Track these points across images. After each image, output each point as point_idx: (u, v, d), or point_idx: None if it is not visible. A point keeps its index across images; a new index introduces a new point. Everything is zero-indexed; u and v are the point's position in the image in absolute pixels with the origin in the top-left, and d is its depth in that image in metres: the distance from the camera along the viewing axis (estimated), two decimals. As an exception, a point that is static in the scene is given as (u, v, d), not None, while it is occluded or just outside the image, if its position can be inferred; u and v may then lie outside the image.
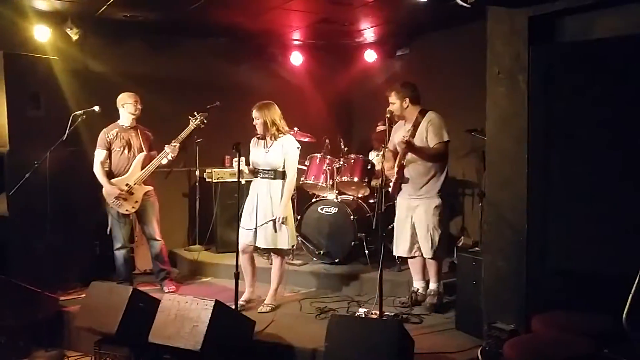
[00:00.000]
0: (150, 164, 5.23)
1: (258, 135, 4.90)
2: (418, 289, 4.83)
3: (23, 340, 4.52)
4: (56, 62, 5.63)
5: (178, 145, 5.20)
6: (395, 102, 4.68)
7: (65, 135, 4.97)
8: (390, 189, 4.72)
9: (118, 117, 5.35)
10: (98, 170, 5.19)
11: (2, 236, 5.14)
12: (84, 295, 4.35)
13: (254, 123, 4.82)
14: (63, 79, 5.66)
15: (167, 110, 6.06)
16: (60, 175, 5.15)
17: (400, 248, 4.80)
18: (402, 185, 4.68)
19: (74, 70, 5.98)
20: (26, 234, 5.12)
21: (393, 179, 4.65)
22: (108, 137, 5.24)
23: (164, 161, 5.24)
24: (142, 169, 5.23)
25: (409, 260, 4.86)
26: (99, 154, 5.22)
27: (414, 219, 4.66)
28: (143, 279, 5.78)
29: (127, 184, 5.16)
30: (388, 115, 4.53)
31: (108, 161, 5.26)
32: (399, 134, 4.74)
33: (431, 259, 4.65)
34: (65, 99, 5.61)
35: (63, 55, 5.92)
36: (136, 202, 5.22)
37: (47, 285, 4.85)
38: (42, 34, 5.80)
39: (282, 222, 4.71)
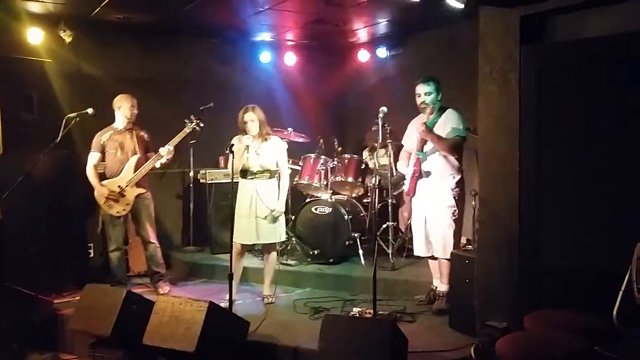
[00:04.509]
0: (143, 166, 5.21)
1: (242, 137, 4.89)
2: (436, 287, 4.77)
3: (17, 343, 4.51)
4: (49, 65, 5.63)
5: (172, 148, 5.18)
6: (432, 92, 4.53)
7: (59, 138, 4.97)
8: (406, 188, 4.69)
9: (112, 120, 5.33)
10: (90, 172, 5.17)
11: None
12: (78, 298, 4.34)
13: (245, 125, 4.82)
14: (56, 82, 5.66)
15: (161, 111, 6.06)
16: (54, 178, 5.15)
17: (418, 248, 4.77)
18: (417, 186, 4.61)
19: (67, 72, 5.96)
20: (20, 237, 5.10)
21: (409, 177, 4.61)
22: (101, 139, 5.23)
23: (157, 164, 5.22)
24: (135, 171, 5.21)
25: (428, 259, 4.81)
26: (92, 157, 5.21)
27: (428, 219, 4.62)
28: (137, 281, 5.78)
29: (119, 186, 5.15)
30: (424, 107, 4.52)
31: (102, 164, 5.24)
32: (414, 129, 4.68)
33: (444, 259, 4.57)
34: (58, 102, 5.60)
35: (56, 57, 5.89)
36: (127, 204, 5.19)
37: (41, 288, 4.85)
38: (35, 36, 5.76)
39: (277, 217, 4.91)
